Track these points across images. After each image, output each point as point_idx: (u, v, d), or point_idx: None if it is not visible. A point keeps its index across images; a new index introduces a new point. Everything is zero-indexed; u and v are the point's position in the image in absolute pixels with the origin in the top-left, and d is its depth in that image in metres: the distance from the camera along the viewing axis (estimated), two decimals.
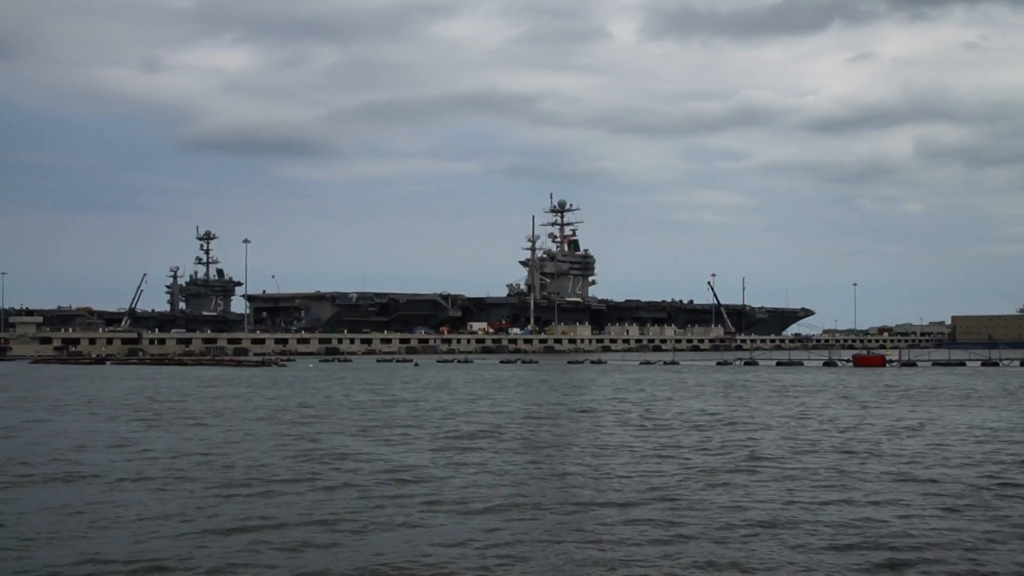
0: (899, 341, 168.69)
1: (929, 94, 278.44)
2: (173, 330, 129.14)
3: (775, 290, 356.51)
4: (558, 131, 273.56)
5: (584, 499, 16.14)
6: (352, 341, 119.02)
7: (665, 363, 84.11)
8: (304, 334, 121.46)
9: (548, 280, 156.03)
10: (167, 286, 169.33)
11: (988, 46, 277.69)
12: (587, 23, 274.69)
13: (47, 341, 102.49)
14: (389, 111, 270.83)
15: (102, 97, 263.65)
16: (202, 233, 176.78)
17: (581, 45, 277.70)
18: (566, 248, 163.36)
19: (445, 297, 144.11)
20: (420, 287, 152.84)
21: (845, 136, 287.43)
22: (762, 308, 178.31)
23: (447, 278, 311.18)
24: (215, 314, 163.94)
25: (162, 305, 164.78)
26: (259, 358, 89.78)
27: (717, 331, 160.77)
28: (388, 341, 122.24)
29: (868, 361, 78.07)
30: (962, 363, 78.36)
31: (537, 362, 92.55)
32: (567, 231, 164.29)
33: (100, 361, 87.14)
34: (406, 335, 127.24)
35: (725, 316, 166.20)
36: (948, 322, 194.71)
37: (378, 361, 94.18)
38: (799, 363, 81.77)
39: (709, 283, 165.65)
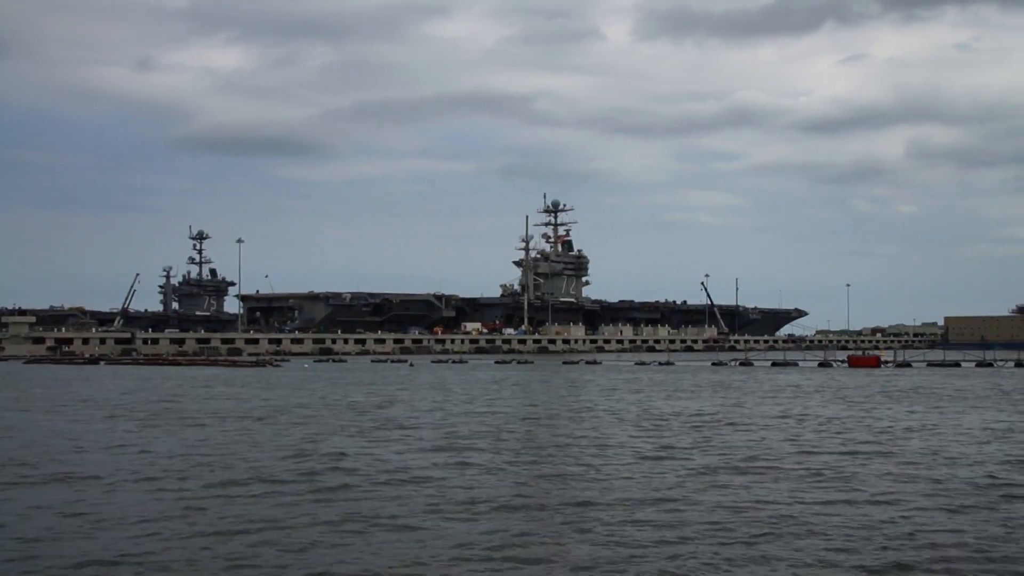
0: (892, 342, 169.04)
1: (921, 95, 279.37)
2: (167, 330, 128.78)
3: (768, 291, 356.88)
4: (552, 131, 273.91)
5: (587, 499, 16.09)
6: (346, 341, 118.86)
7: (660, 364, 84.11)
8: (298, 334, 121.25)
9: (542, 280, 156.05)
10: (160, 286, 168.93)
11: (980, 47, 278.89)
12: (580, 23, 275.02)
13: (40, 341, 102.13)
14: (383, 111, 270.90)
15: (95, 96, 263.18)
16: (195, 233, 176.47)
17: (574, 45, 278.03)
18: (560, 248, 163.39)
19: (439, 297, 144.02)
20: (414, 287, 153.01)
21: (838, 137, 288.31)
22: (755, 309, 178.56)
23: (441, 278, 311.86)
24: (208, 314, 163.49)
25: (155, 305, 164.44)
26: (253, 358, 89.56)
27: (711, 332, 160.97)
28: (382, 341, 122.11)
29: (863, 362, 78.16)
30: (957, 364, 78.48)
31: (532, 362, 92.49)
32: (561, 231, 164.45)
33: (94, 361, 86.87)
34: (400, 335, 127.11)
35: (719, 317, 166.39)
36: (941, 323, 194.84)
37: (372, 361, 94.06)
38: (794, 364, 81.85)
39: (703, 284, 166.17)
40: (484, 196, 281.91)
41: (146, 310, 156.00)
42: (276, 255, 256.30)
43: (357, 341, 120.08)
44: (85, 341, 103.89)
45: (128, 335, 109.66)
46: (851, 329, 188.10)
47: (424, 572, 11.74)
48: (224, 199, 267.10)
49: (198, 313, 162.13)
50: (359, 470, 19.36)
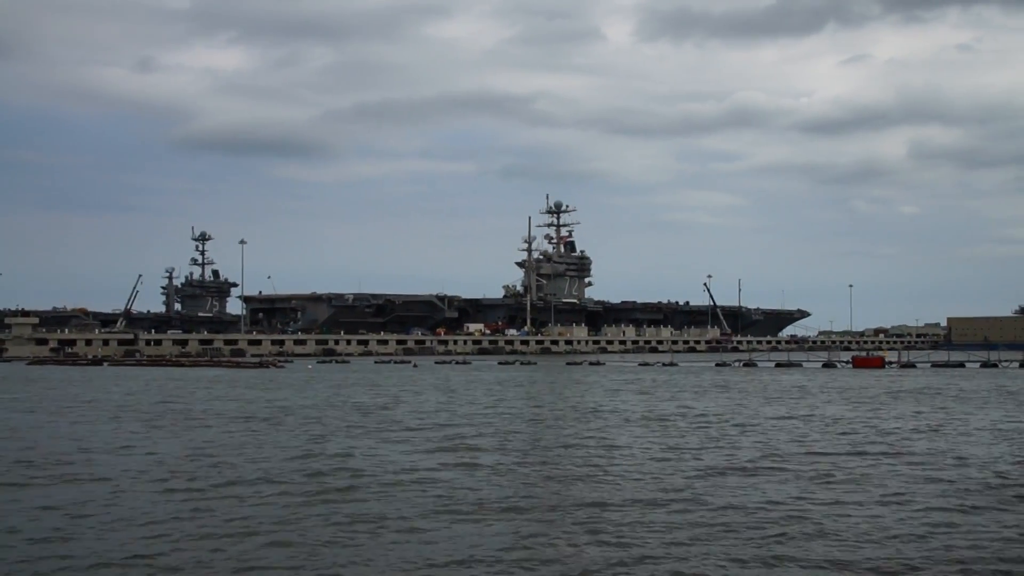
0: (895, 342, 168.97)
1: (922, 96, 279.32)
2: (169, 331, 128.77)
3: (770, 291, 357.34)
4: (552, 132, 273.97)
5: (597, 500, 16.03)
6: (349, 342, 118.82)
7: (664, 364, 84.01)
8: (301, 335, 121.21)
9: (544, 281, 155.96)
10: (162, 287, 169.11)
11: (981, 48, 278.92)
12: (581, 24, 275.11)
13: (43, 342, 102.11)
14: (383, 111, 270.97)
15: (96, 97, 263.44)
16: (197, 234, 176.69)
17: (575, 46, 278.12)
18: (562, 249, 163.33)
19: (441, 298, 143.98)
20: (416, 288, 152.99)
21: (839, 138, 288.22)
22: (758, 309, 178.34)
23: (443, 279, 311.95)
24: (211, 315, 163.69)
25: (157, 306, 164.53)
26: (257, 359, 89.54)
27: (713, 332, 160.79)
28: (385, 342, 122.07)
29: (868, 363, 78.08)
30: (961, 364, 78.34)
31: (535, 363, 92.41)
32: (563, 232, 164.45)
33: (97, 362, 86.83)
34: (403, 336, 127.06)
35: (721, 317, 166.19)
36: (943, 323, 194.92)
37: (376, 362, 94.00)
38: (798, 364, 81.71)
39: (705, 284, 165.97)
40: (485, 197, 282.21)
41: (148, 311, 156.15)
42: (277, 256, 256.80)
43: (360, 342, 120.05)
44: (88, 342, 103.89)
45: (131, 336, 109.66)
46: (854, 330, 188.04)
47: (435, 574, 11.69)
48: (225, 200, 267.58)
49: (201, 314, 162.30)
50: (367, 471, 19.30)
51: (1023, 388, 48.88)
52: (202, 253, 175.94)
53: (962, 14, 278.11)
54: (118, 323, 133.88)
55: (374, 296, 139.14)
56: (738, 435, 26.30)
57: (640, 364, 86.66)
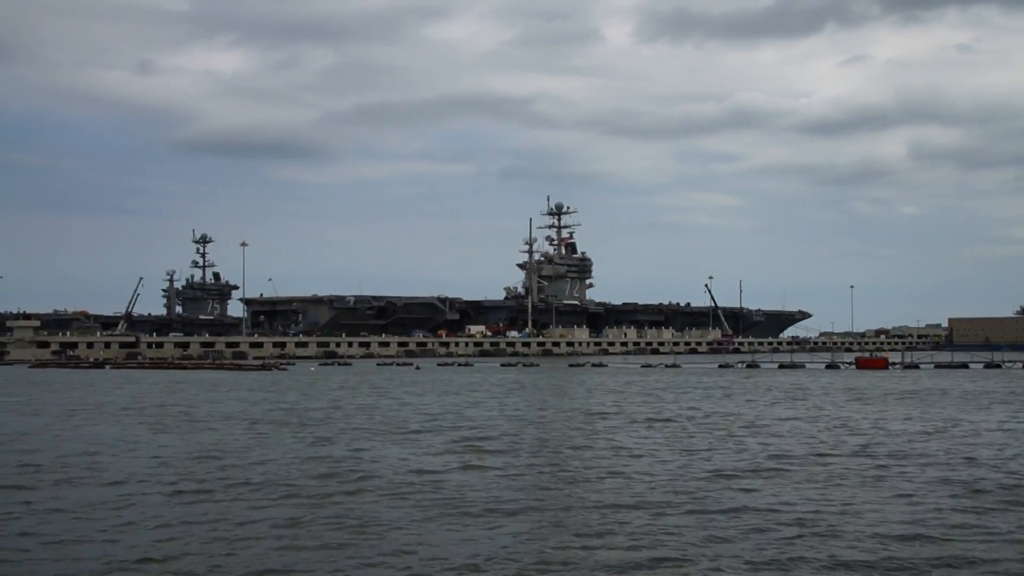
0: (896, 343, 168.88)
1: (922, 96, 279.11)
2: (171, 334, 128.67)
3: (770, 292, 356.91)
4: (552, 133, 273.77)
5: (611, 502, 15.95)
6: (350, 344, 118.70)
7: (667, 366, 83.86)
8: (302, 337, 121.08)
9: (545, 283, 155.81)
10: (163, 290, 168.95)
11: (981, 48, 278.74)
12: (580, 25, 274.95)
13: (45, 345, 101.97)
14: (383, 113, 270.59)
15: (96, 99, 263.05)
16: (198, 236, 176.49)
17: (574, 47, 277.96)
18: (563, 251, 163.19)
19: (443, 300, 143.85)
20: (417, 290, 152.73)
21: (838, 138, 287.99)
22: (759, 311, 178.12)
23: (444, 281, 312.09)
24: (212, 318, 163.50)
25: (158, 309, 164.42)
26: (259, 362, 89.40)
27: (715, 334, 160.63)
28: (386, 344, 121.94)
29: (871, 363, 78.00)
30: (965, 365, 78.23)
31: (538, 365, 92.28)
32: (564, 234, 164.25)
33: (99, 365, 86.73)
34: (404, 338, 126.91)
35: (723, 319, 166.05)
36: (945, 324, 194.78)
37: (378, 364, 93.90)
38: (801, 366, 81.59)
39: (707, 285, 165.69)
40: (484, 198, 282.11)
41: (149, 314, 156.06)
42: (278, 258, 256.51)
43: (361, 344, 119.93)
44: (90, 345, 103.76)
45: (133, 339, 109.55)
46: (855, 331, 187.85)
47: None
48: (225, 202, 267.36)
49: (201, 317, 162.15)
50: (376, 473, 19.21)
51: None
52: (203, 255, 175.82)
53: (961, 14, 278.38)
54: (119, 326, 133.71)
55: (375, 298, 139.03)
56: (747, 436, 26.21)
57: (643, 366, 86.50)
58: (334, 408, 36.83)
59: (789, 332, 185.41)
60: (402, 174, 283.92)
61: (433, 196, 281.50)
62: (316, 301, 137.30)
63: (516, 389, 51.03)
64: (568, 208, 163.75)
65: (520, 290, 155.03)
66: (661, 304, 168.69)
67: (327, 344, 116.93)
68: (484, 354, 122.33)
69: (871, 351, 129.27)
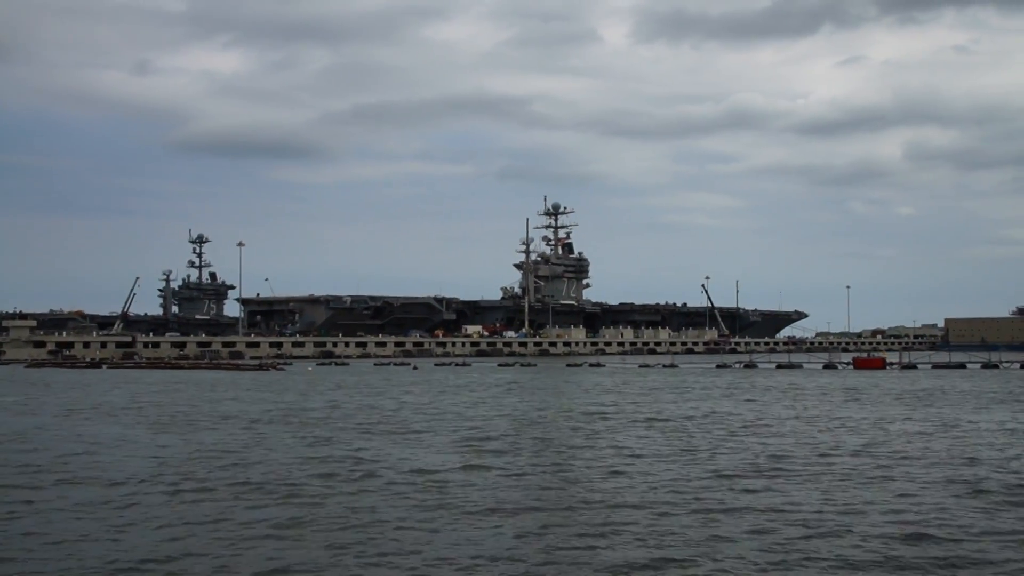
0: (892, 343, 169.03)
1: (919, 97, 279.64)
2: (167, 334, 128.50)
3: (767, 293, 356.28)
4: (549, 134, 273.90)
5: (614, 502, 15.92)
6: (347, 344, 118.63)
7: (664, 366, 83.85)
8: (299, 338, 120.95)
9: (542, 283, 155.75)
10: (160, 290, 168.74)
11: (978, 49, 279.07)
12: (578, 26, 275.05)
13: (41, 345, 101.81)
14: (381, 114, 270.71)
15: (94, 100, 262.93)
16: (195, 236, 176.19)
17: (572, 48, 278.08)
18: (560, 251, 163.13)
19: (439, 300, 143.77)
20: (414, 290, 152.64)
21: (836, 139, 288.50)
22: (755, 311, 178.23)
23: (441, 281, 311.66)
24: (208, 318, 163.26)
25: (155, 309, 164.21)
26: (256, 361, 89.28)
27: (711, 334, 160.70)
28: (383, 344, 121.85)
29: (869, 364, 78.06)
30: (962, 366, 78.31)
31: (535, 365, 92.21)
32: (561, 234, 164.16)
33: (95, 365, 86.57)
34: (401, 338, 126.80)
35: (719, 319, 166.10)
36: (941, 324, 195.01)
37: (375, 364, 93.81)
38: (799, 366, 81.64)
39: (703, 286, 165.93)
40: (482, 199, 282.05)
41: (146, 314, 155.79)
42: (275, 258, 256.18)
43: (358, 344, 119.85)
44: (86, 345, 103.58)
45: (129, 339, 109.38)
46: (851, 331, 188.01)
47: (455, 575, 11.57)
48: (223, 202, 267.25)
49: (198, 317, 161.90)
50: (378, 473, 19.16)
51: None
52: (199, 255, 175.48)
53: (958, 15, 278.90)
54: (115, 326, 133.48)
55: (372, 298, 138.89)
56: (748, 436, 26.19)
57: (640, 366, 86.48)
58: (333, 408, 36.76)
59: (785, 332, 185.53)
60: (400, 174, 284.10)
61: (431, 196, 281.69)
62: (313, 301, 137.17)
63: (514, 389, 50.97)
64: (565, 208, 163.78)
65: (517, 290, 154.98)
66: (658, 304, 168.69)
67: (324, 344, 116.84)
68: (481, 354, 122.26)
69: (867, 351, 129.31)
